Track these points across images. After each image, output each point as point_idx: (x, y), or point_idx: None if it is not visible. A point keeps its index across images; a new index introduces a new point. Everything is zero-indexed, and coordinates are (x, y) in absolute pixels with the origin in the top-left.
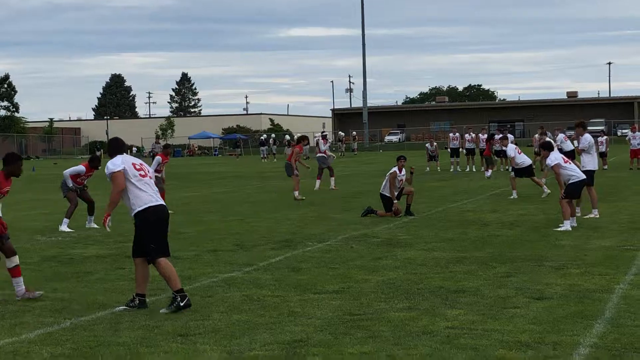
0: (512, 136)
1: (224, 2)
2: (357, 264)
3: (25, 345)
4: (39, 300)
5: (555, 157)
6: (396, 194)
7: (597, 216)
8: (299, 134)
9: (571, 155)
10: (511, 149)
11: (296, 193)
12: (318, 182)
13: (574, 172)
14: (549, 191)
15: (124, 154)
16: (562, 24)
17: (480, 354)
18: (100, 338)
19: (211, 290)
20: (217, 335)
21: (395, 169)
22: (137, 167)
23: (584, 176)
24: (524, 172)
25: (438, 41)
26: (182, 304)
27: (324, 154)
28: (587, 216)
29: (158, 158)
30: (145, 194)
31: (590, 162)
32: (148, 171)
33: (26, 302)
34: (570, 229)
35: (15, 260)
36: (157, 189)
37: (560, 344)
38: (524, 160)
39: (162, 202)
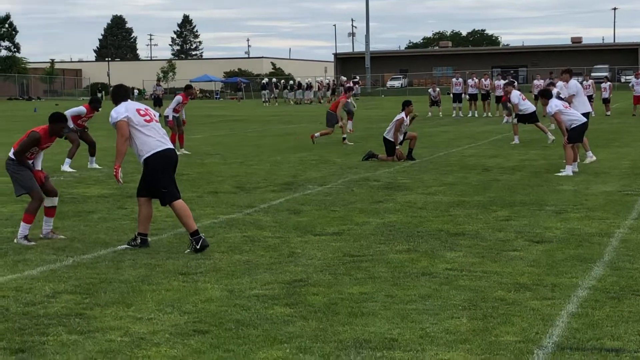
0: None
1: None
2: (358, 206)
3: (27, 282)
4: (41, 238)
5: (554, 105)
6: (400, 138)
7: (594, 158)
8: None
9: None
10: (515, 96)
11: (345, 137)
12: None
13: (575, 117)
14: (553, 137)
15: (128, 100)
16: None
17: (478, 295)
18: (103, 275)
19: (212, 231)
20: (218, 274)
21: (403, 115)
22: (142, 112)
23: (584, 119)
24: (528, 118)
25: None
26: (198, 247)
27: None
28: (586, 161)
29: (178, 97)
30: (152, 139)
31: (582, 106)
32: (154, 115)
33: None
34: (572, 174)
35: (55, 201)
36: (164, 132)
37: (558, 285)
38: (528, 106)
39: (170, 146)
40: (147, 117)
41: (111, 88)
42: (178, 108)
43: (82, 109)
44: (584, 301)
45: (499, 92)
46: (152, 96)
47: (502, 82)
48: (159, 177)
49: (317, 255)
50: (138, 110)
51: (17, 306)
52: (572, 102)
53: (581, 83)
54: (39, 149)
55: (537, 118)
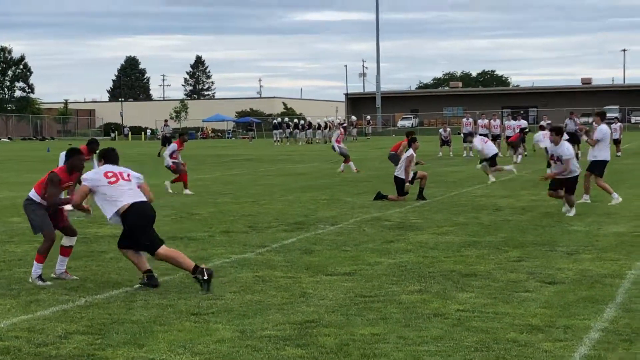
0: (524, 122)
1: None
2: (369, 246)
3: (40, 322)
4: (55, 278)
5: (569, 149)
6: (410, 177)
7: (589, 200)
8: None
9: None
10: (477, 141)
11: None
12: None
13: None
14: (494, 180)
15: (110, 164)
16: (577, 11)
17: (491, 336)
18: (115, 316)
19: (224, 271)
20: (230, 315)
21: (411, 151)
22: (110, 175)
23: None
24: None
25: (452, 26)
26: (205, 277)
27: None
28: (580, 200)
29: (173, 145)
30: (117, 201)
31: (602, 152)
32: (126, 176)
33: None
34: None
35: (73, 240)
36: (133, 187)
37: (571, 327)
38: (490, 150)
39: (141, 199)
40: (114, 179)
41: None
42: (175, 155)
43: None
44: (596, 343)
45: (509, 132)
46: (159, 136)
47: (513, 122)
48: (137, 230)
49: (328, 296)
50: (106, 174)
51: (30, 347)
52: (594, 145)
53: (590, 124)
54: (60, 189)
55: (495, 162)
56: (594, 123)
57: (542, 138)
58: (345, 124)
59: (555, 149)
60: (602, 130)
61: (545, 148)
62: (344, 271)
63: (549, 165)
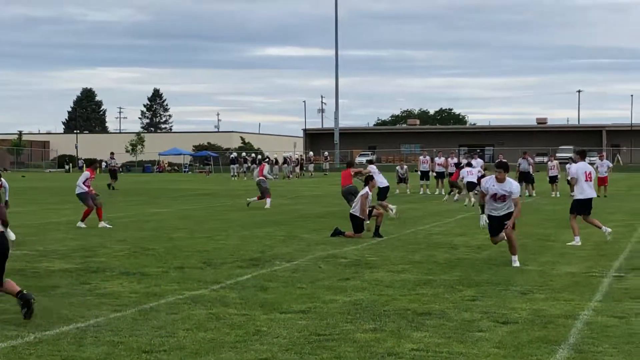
0: (481, 161)
1: (200, 19)
2: (325, 284)
3: None
4: (2, 313)
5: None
6: (368, 215)
7: (579, 243)
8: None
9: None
10: (374, 171)
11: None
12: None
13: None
14: (395, 215)
15: None
16: (534, 51)
17: None
18: (64, 353)
19: (177, 308)
20: (182, 353)
21: (367, 189)
22: None
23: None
24: (381, 193)
25: (411, 64)
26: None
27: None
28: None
29: (86, 173)
30: None
31: (578, 191)
32: None
33: None
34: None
35: None
36: None
37: None
38: (382, 181)
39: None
40: None
41: None
42: (87, 183)
43: None
44: None
45: (452, 169)
46: (107, 168)
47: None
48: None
49: (283, 334)
50: None
51: None
52: (574, 185)
53: (545, 163)
54: None
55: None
56: (548, 162)
57: (467, 174)
58: (268, 159)
59: (502, 186)
60: (572, 169)
61: (474, 184)
62: (298, 309)
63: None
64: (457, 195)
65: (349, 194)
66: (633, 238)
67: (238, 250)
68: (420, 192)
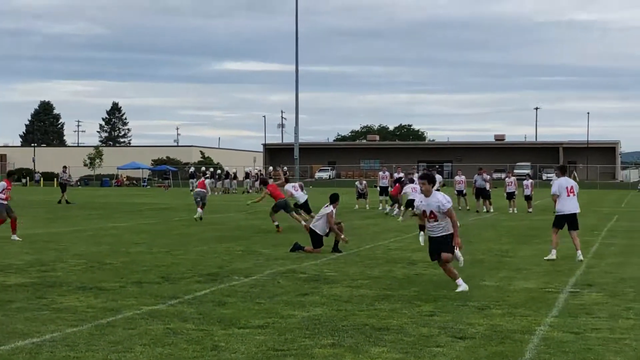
0: (439, 176)
1: (159, 33)
2: (283, 299)
3: None
4: None
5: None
6: (327, 231)
7: (554, 257)
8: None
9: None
10: (289, 186)
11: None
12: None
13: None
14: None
15: None
16: (492, 68)
17: None
18: None
19: (134, 323)
20: None
21: (332, 207)
22: None
23: (565, 212)
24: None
25: (371, 80)
26: None
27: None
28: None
29: (3, 183)
30: None
31: (559, 206)
32: None
33: None
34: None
35: None
36: None
37: None
38: (300, 196)
39: None
40: None
41: None
42: (3, 194)
43: None
44: None
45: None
46: (60, 181)
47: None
48: None
49: (240, 349)
50: None
51: None
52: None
53: (502, 179)
54: None
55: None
56: (506, 178)
57: (411, 191)
58: (208, 174)
59: (429, 200)
60: (553, 185)
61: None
62: (257, 324)
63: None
64: (396, 210)
65: (285, 207)
66: (589, 254)
67: (196, 265)
68: (380, 208)
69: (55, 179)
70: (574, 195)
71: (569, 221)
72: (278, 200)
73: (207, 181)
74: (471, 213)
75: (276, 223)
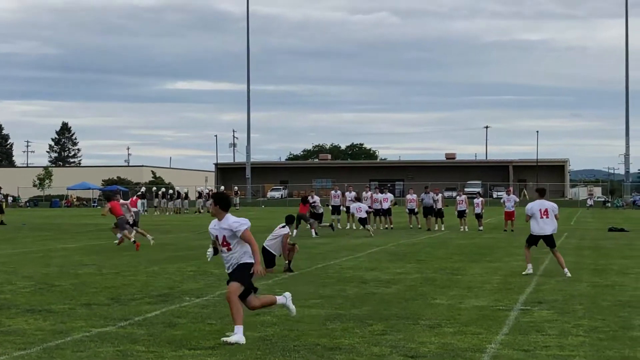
0: (391, 195)
1: (109, 53)
2: None
3: None
4: None
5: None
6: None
7: (531, 271)
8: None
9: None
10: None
11: None
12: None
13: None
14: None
15: None
16: (442, 87)
17: None
18: None
19: (83, 345)
20: None
21: (287, 229)
22: None
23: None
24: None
25: (322, 99)
26: None
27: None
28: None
29: None
30: None
31: (532, 226)
32: None
33: None
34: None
35: None
36: None
37: None
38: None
39: None
40: None
41: None
42: None
43: None
44: None
45: (377, 205)
46: None
47: (381, 195)
48: None
49: None
50: None
51: None
52: (527, 221)
53: (454, 198)
54: None
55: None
56: (457, 196)
57: (357, 211)
58: (140, 192)
59: (221, 224)
60: (528, 206)
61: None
62: (208, 345)
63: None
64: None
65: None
66: (539, 272)
67: (147, 286)
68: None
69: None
70: (547, 217)
71: (545, 240)
72: (119, 217)
73: (140, 201)
74: (422, 231)
75: (119, 237)
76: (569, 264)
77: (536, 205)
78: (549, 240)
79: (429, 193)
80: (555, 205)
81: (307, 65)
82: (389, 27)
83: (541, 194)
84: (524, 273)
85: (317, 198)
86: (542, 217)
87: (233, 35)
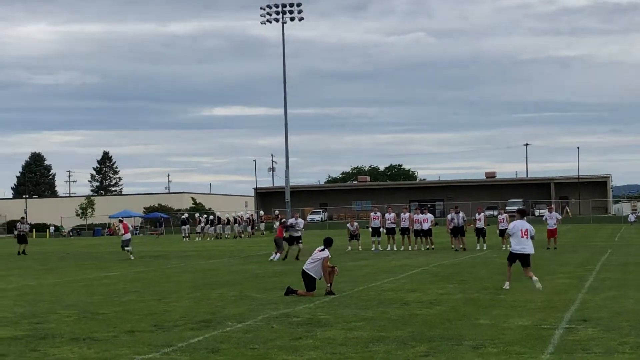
0: (431, 215)
1: (147, 81)
2: (277, 344)
3: None
4: None
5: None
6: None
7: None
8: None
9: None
10: None
11: None
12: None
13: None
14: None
15: None
16: (480, 105)
17: None
18: None
19: None
20: None
21: (328, 252)
22: None
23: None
24: None
25: (360, 121)
26: None
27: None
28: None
29: None
30: None
31: (514, 244)
32: None
33: None
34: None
35: None
36: None
37: None
38: None
39: None
40: None
41: None
42: None
43: None
44: None
45: (417, 226)
46: (16, 234)
47: (421, 215)
48: None
49: None
50: None
51: None
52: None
53: (496, 216)
54: None
55: None
56: (498, 215)
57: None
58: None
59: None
60: (510, 225)
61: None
62: None
63: None
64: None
65: None
66: (583, 289)
67: (189, 312)
68: (372, 249)
69: (47, 230)
70: (527, 237)
71: (521, 259)
72: None
73: (130, 227)
74: (467, 251)
75: None
76: (614, 281)
77: (518, 225)
78: (526, 259)
79: (459, 212)
80: (532, 228)
81: (343, 88)
82: (425, 47)
83: (522, 214)
84: (504, 287)
85: (299, 221)
86: (522, 237)
87: (269, 60)
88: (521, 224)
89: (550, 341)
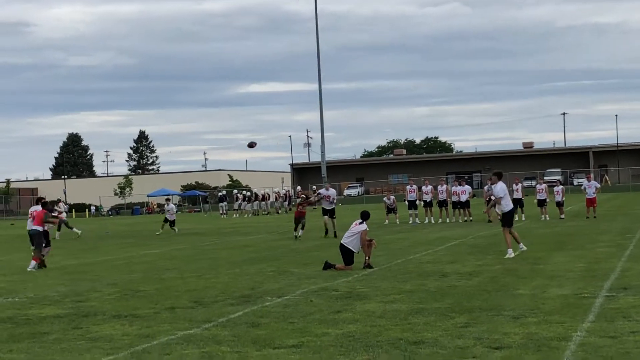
0: (469, 187)
1: (181, 60)
2: (316, 317)
3: None
4: None
5: (501, 189)
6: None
7: (512, 255)
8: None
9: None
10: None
11: None
12: None
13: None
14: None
15: None
16: (516, 75)
17: None
18: None
19: (169, 348)
20: None
21: (366, 225)
22: None
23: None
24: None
25: (395, 94)
26: None
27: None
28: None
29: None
30: None
31: (505, 204)
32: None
33: None
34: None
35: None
36: None
37: None
38: None
39: None
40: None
41: None
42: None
43: None
44: None
45: (455, 198)
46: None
47: (459, 187)
48: None
49: None
50: None
51: None
52: (500, 203)
53: (533, 187)
54: None
55: None
56: (537, 185)
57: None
58: (46, 201)
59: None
60: (497, 188)
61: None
62: (291, 343)
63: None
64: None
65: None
66: (623, 257)
67: (228, 287)
68: (410, 222)
69: (87, 210)
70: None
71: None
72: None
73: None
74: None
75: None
76: None
77: (504, 188)
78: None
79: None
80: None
81: (378, 61)
82: (459, 18)
83: (499, 176)
84: (506, 257)
85: (331, 191)
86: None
87: (303, 35)
88: (503, 185)
89: (591, 310)
